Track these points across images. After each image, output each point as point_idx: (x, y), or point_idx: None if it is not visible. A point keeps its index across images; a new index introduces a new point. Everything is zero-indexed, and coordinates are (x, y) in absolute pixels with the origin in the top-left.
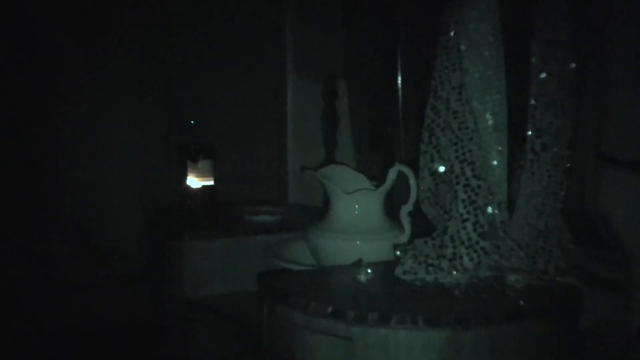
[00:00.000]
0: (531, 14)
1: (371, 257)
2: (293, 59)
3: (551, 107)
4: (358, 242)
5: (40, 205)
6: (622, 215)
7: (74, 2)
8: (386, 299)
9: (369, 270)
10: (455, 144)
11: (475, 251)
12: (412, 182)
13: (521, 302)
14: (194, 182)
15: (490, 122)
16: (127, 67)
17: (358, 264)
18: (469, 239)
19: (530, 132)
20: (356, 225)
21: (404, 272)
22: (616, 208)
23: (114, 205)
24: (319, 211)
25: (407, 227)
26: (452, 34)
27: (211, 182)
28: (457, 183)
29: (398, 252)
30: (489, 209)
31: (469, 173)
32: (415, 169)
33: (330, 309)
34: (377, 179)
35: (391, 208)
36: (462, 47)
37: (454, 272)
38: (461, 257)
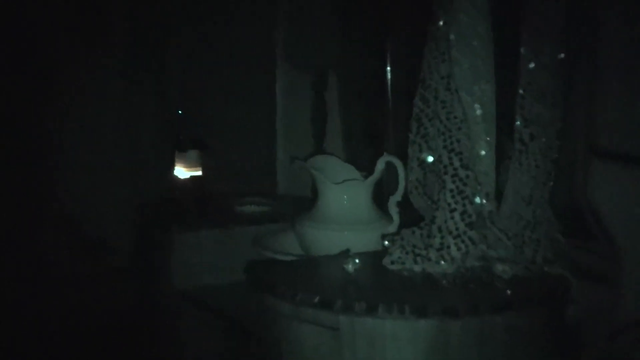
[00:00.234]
0: (521, 4)
1: (359, 247)
2: (283, 51)
3: (540, 98)
4: (346, 233)
5: (30, 199)
6: (610, 207)
7: None
8: (374, 288)
9: (357, 261)
10: (444, 134)
11: (462, 241)
12: (400, 172)
13: (508, 292)
14: (182, 172)
15: (478, 112)
16: (115, 59)
17: (346, 254)
18: (457, 229)
19: (518, 123)
20: (345, 216)
21: (392, 262)
22: (604, 199)
23: (102, 197)
24: (308, 202)
25: (395, 217)
26: (441, 23)
27: (199, 173)
28: (445, 173)
29: (386, 242)
30: (477, 199)
31: (457, 163)
32: (405, 160)
33: (317, 299)
34: (366, 169)
35: (380, 198)
36: (451, 37)
37: (442, 262)
38: (449, 247)
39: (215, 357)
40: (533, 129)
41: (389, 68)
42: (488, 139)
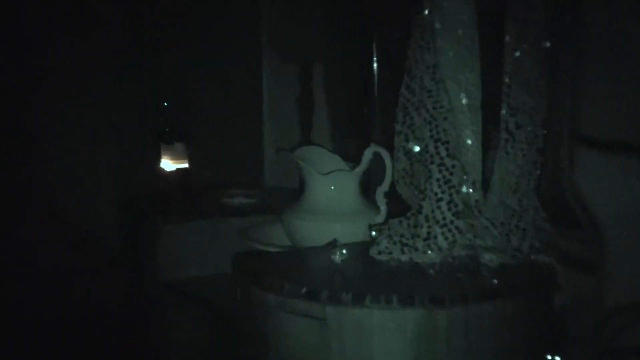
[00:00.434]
0: None
1: (346, 237)
2: (269, 42)
3: (525, 86)
4: (334, 223)
5: (15, 192)
6: (595, 194)
7: None
8: (361, 279)
9: (344, 251)
10: (430, 123)
11: (449, 230)
12: (387, 162)
13: (495, 281)
14: (168, 164)
15: (464, 101)
16: (100, 51)
17: (333, 245)
18: (444, 218)
19: (504, 111)
20: (332, 207)
21: (379, 252)
22: (589, 187)
23: (88, 190)
24: (295, 193)
25: (382, 207)
26: (426, 12)
27: (185, 165)
28: (432, 162)
29: (373, 233)
30: (464, 188)
31: (443, 152)
32: (391, 150)
33: (304, 290)
34: (353, 160)
35: (367, 189)
36: (437, 26)
37: (429, 252)
38: (436, 237)
39: (201, 348)
40: (519, 117)
41: (375, 58)
42: (474, 128)
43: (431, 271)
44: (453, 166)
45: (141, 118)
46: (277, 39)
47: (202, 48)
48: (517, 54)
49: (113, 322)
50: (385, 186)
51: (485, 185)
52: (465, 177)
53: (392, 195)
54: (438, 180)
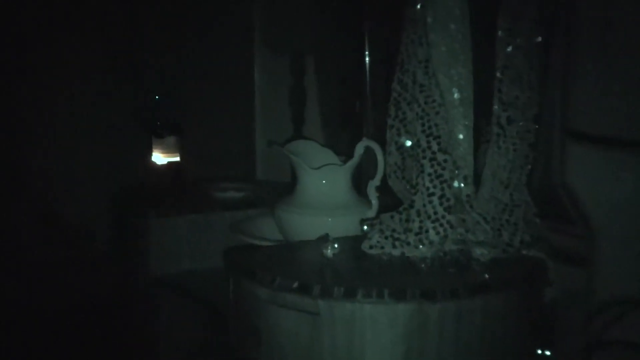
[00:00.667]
0: None
1: (338, 232)
2: (261, 35)
3: (517, 81)
4: (325, 218)
5: (3, 185)
6: (586, 189)
7: None
8: (353, 273)
9: (336, 245)
10: (422, 118)
11: (441, 225)
12: (379, 157)
13: (486, 276)
14: (159, 158)
15: (456, 96)
16: (92, 43)
17: (325, 239)
18: (435, 213)
19: (496, 106)
20: (323, 201)
21: (371, 247)
22: (581, 182)
23: (79, 183)
24: (286, 187)
25: (374, 202)
26: (418, 6)
27: (177, 158)
28: (424, 157)
29: (365, 227)
30: (455, 183)
31: (435, 147)
32: (383, 145)
33: (296, 284)
34: (345, 154)
35: (359, 183)
36: (429, 20)
37: (421, 246)
38: (427, 231)
39: (193, 342)
40: (511, 112)
41: (367, 52)
42: (466, 122)
43: (423, 266)
44: (445, 161)
45: (133, 111)
46: (268, 33)
47: (193, 41)
48: (509, 48)
49: (104, 316)
50: (377, 180)
51: (476, 179)
52: (457, 171)
53: (384, 189)
54: (430, 174)
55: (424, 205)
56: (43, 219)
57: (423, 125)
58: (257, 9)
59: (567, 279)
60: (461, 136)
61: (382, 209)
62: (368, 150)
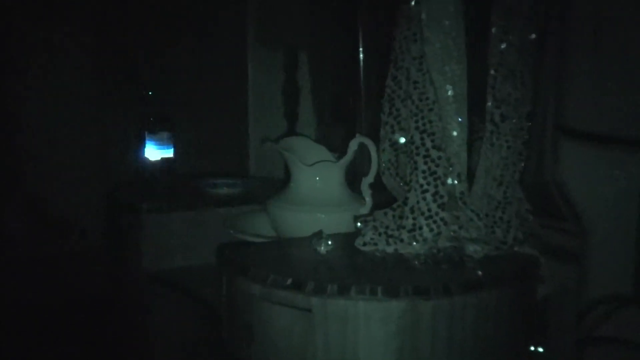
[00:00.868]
0: None
1: (332, 229)
2: (254, 30)
3: (510, 78)
4: (319, 214)
5: None
6: (578, 186)
7: None
8: (346, 270)
9: (329, 242)
10: (416, 114)
11: (435, 222)
12: (373, 153)
13: (480, 272)
14: (152, 153)
15: (450, 93)
16: (84, 37)
17: (318, 236)
18: (429, 210)
19: (489, 103)
20: (317, 197)
21: (364, 244)
22: (573, 179)
23: (71, 178)
24: (280, 183)
25: (368, 199)
26: (412, 3)
27: (170, 154)
28: (417, 154)
29: (358, 224)
30: (449, 180)
31: (428, 144)
32: (377, 141)
33: (289, 281)
34: (339, 150)
35: (352, 180)
36: (423, 17)
37: (414, 243)
38: (421, 228)
39: (185, 338)
40: (504, 109)
41: (360, 48)
42: (460, 119)
43: (416, 262)
44: (439, 158)
45: (126, 107)
46: (262, 29)
47: (187, 37)
48: (503, 46)
49: (96, 312)
50: (370, 177)
51: (470, 176)
52: (450, 168)
53: (378, 186)
54: (423, 171)
55: (418, 202)
56: (36, 214)
57: (417, 122)
58: (251, 5)
59: (559, 276)
60: (455, 133)
61: (376, 206)
62: (362, 147)
